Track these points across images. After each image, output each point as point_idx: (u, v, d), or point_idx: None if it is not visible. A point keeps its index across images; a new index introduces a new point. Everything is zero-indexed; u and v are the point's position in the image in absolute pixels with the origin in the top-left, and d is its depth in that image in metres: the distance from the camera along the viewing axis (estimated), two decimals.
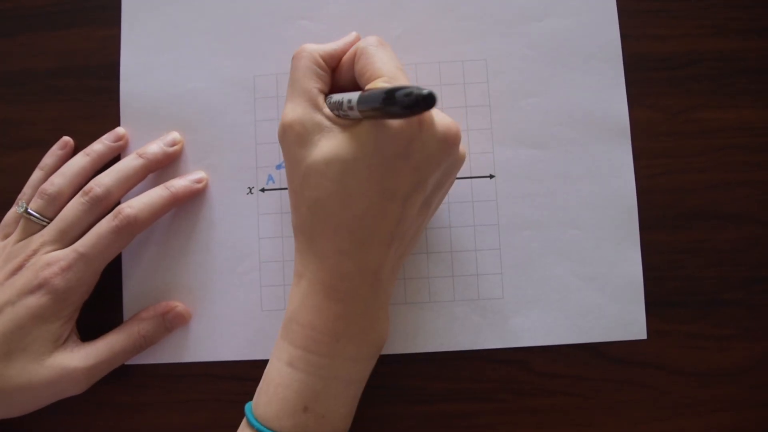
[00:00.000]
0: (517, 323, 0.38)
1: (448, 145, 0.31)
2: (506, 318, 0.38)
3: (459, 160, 0.33)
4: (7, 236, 0.38)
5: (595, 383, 0.38)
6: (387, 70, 0.31)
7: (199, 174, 0.39)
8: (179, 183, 0.38)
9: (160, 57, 0.41)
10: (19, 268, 0.36)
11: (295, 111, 0.32)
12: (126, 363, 0.38)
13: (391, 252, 0.32)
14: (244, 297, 0.39)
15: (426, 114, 0.29)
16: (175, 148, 0.39)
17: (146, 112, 0.40)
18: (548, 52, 0.39)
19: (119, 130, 0.40)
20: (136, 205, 0.36)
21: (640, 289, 0.37)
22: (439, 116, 0.31)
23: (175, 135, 0.40)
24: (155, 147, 0.39)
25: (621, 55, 0.39)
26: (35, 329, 0.35)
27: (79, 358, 0.36)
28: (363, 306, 0.32)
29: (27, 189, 0.39)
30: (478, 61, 0.39)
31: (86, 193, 0.36)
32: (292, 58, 0.33)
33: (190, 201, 0.39)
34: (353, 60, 0.33)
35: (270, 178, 0.39)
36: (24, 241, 0.37)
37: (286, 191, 0.39)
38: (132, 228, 0.36)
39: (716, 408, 0.37)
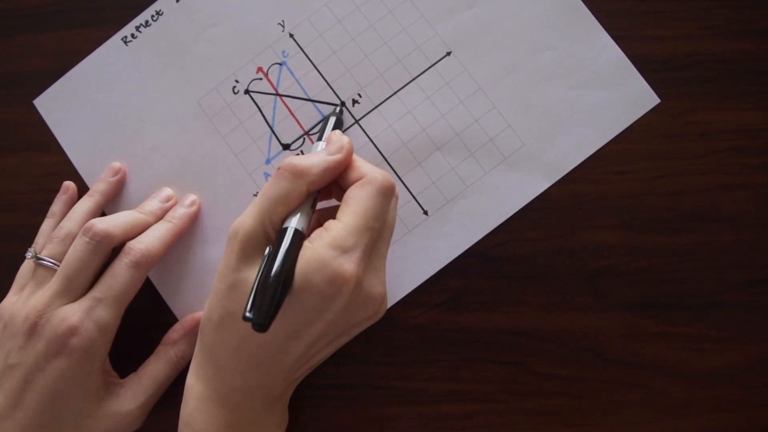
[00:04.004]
0: (549, 157, 0.38)
1: (368, 310, 0.32)
2: (538, 158, 0.38)
3: (377, 316, 0.33)
4: (23, 288, 0.37)
5: (594, 384, 0.38)
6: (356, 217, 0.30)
7: (191, 197, 0.39)
8: (178, 212, 0.38)
9: (107, 140, 0.40)
10: (35, 328, 0.34)
11: (250, 224, 0.31)
12: None
13: (288, 377, 0.33)
14: None
15: (352, 278, 0.29)
16: (171, 203, 0.39)
17: (122, 190, 0.40)
18: None
19: (115, 164, 0.40)
20: (145, 239, 0.36)
21: (627, 64, 0.38)
22: (368, 281, 0.31)
23: (168, 191, 0.39)
24: (153, 203, 0.39)
25: None
26: (73, 389, 0.34)
27: (128, 401, 0.35)
28: (255, 416, 0.33)
29: (39, 239, 0.38)
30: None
31: (86, 232, 0.35)
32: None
33: (202, 240, 0.39)
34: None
35: (266, 175, 0.40)
36: (35, 296, 0.35)
37: None
38: (147, 261, 0.35)
39: (715, 409, 0.37)
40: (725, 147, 0.39)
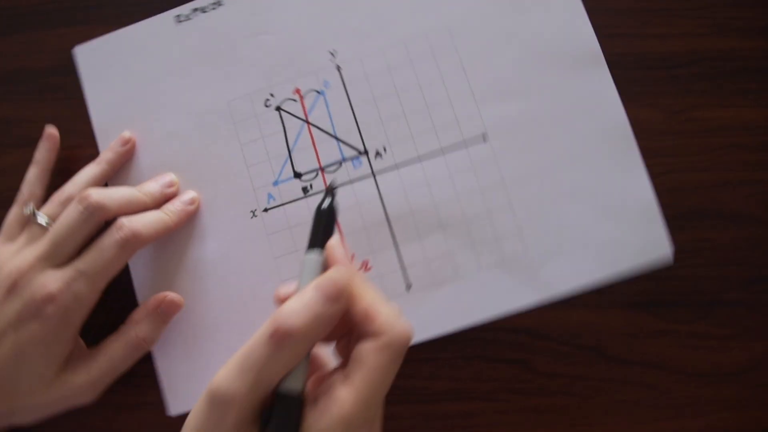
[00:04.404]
0: (547, 273, 0.37)
1: None
2: (535, 272, 0.37)
3: None
4: (11, 238, 0.37)
5: (596, 383, 0.38)
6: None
7: (191, 194, 0.39)
8: (175, 207, 0.38)
9: (130, 110, 0.40)
10: (15, 286, 0.34)
11: (246, 393, 0.25)
12: (172, 414, 0.38)
13: None
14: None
15: None
16: (172, 189, 0.39)
17: (128, 166, 0.40)
18: (507, 2, 0.39)
19: (125, 133, 0.39)
20: (137, 219, 0.36)
21: (655, 210, 0.37)
22: None
23: (171, 176, 0.39)
24: (153, 186, 0.38)
25: None
26: (39, 353, 0.34)
27: (81, 375, 0.36)
28: None
29: (24, 188, 0.39)
30: (442, 30, 0.39)
31: (82, 200, 0.35)
32: None
33: (197, 239, 0.39)
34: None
35: (270, 196, 0.39)
36: (22, 253, 0.35)
37: (290, 205, 0.39)
38: (136, 242, 0.35)
39: (717, 408, 0.37)
40: (726, 144, 0.38)
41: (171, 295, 0.38)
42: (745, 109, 0.39)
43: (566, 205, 0.38)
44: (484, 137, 0.38)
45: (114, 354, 0.36)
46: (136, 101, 0.40)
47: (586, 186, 0.38)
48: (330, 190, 0.31)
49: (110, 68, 0.41)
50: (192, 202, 0.39)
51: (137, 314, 0.38)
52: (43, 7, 0.42)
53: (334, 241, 0.29)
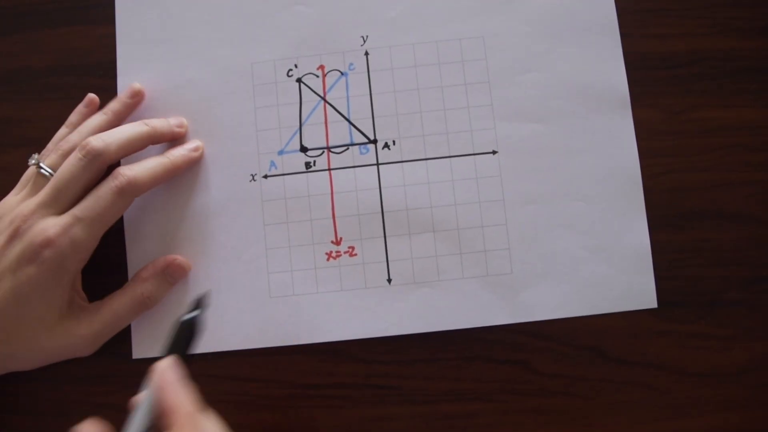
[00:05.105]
0: (527, 297, 0.37)
1: None
2: (516, 293, 0.38)
3: None
4: (21, 191, 0.38)
5: (596, 383, 0.37)
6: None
7: (196, 142, 0.39)
8: (178, 152, 0.38)
9: (156, 48, 0.40)
10: (17, 232, 0.35)
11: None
12: (134, 357, 0.38)
13: None
14: (251, 284, 0.38)
15: None
16: (181, 130, 0.39)
17: (144, 105, 0.40)
18: (545, 27, 0.39)
19: (135, 85, 0.39)
20: (135, 167, 0.36)
21: (648, 259, 0.37)
22: None
23: (182, 119, 0.39)
24: (162, 121, 0.39)
25: (617, 28, 0.39)
26: (38, 297, 0.34)
27: (84, 325, 0.36)
28: None
29: (51, 145, 0.39)
30: (476, 39, 0.39)
31: (83, 148, 0.35)
32: None
33: (193, 190, 0.39)
34: None
35: (272, 164, 0.39)
36: (26, 202, 0.36)
37: (290, 177, 0.39)
38: (132, 189, 0.35)
39: (718, 408, 0.37)
40: (726, 144, 0.38)
41: (180, 259, 0.38)
42: (745, 109, 0.39)
43: (560, 235, 0.38)
44: (494, 152, 0.39)
45: (119, 308, 0.37)
46: (164, 41, 0.40)
47: (584, 221, 0.38)
48: (198, 304, 0.32)
49: (146, 2, 0.41)
50: (196, 149, 0.39)
51: (145, 272, 0.38)
52: (43, 7, 0.42)
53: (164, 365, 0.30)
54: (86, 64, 0.41)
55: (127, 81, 0.40)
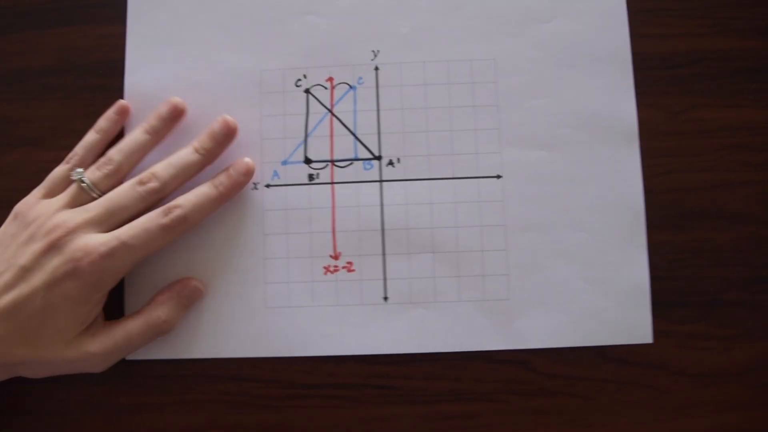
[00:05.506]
0: (522, 325, 0.38)
1: None
2: (511, 319, 0.38)
3: None
4: (52, 194, 0.37)
5: (597, 384, 0.38)
6: None
7: (246, 163, 0.38)
8: (227, 182, 0.37)
9: (165, 51, 0.40)
10: (58, 241, 0.34)
11: None
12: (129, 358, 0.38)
13: None
14: (248, 294, 0.38)
15: None
16: (225, 142, 0.38)
17: (151, 105, 0.39)
18: (556, 54, 0.39)
19: (174, 99, 0.39)
20: (186, 205, 0.36)
21: (646, 293, 0.37)
22: None
23: (225, 122, 0.38)
24: (208, 142, 0.38)
25: (630, 58, 0.39)
26: (67, 310, 0.34)
27: (98, 343, 0.36)
28: None
29: (79, 150, 0.38)
30: (487, 61, 0.39)
31: (143, 183, 0.36)
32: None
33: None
34: None
35: (275, 173, 0.39)
36: (69, 211, 0.36)
37: (293, 188, 0.39)
38: (182, 228, 0.36)
39: (719, 408, 0.37)
40: (726, 144, 0.39)
41: (195, 281, 0.38)
42: (745, 109, 0.39)
43: (559, 265, 0.38)
44: (498, 177, 0.38)
45: (133, 330, 0.36)
46: (174, 43, 0.40)
47: (585, 252, 0.38)
48: None
49: (157, 3, 0.40)
50: (246, 172, 0.38)
51: (161, 296, 0.38)
52: (43, 6, 0.41)
53: None
54: (86, 63, 0.41)
55: (134, 81, 0.40)
